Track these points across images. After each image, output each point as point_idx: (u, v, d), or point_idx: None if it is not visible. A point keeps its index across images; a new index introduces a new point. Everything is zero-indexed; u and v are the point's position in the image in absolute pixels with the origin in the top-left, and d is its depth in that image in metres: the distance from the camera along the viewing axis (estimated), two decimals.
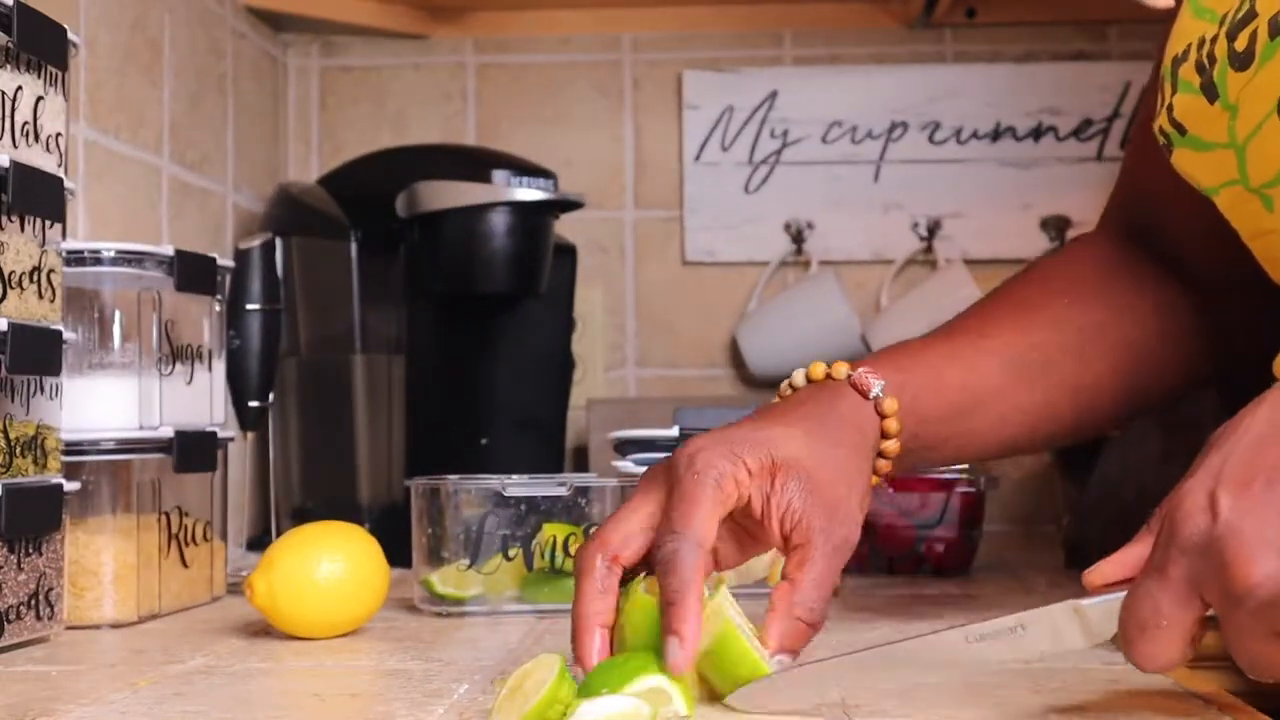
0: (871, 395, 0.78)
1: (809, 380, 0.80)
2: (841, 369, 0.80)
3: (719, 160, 1.67)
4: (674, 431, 1.07)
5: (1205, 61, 0.76)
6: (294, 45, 1.69)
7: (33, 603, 0.85)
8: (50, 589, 0.87)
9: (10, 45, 0.83)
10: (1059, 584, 1.14)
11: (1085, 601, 0.62)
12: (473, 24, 1.69)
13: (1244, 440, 0.59)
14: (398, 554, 0.99)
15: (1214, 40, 0.76)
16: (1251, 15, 0.73)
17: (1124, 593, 0.60)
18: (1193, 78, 0.78)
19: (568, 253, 1.47)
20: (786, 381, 0.82)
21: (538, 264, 1.33)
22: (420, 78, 1.70)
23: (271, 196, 1.46)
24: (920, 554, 1.19)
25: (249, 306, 1.13)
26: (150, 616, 0.97)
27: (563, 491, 0.98)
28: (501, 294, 1.34)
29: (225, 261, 1.08)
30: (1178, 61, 0.79)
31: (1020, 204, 1.65)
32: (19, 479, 0.84)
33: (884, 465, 0.80)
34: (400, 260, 1.34)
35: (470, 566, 0.98)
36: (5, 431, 0.83)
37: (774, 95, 1.67)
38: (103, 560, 0.95)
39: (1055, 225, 1.64)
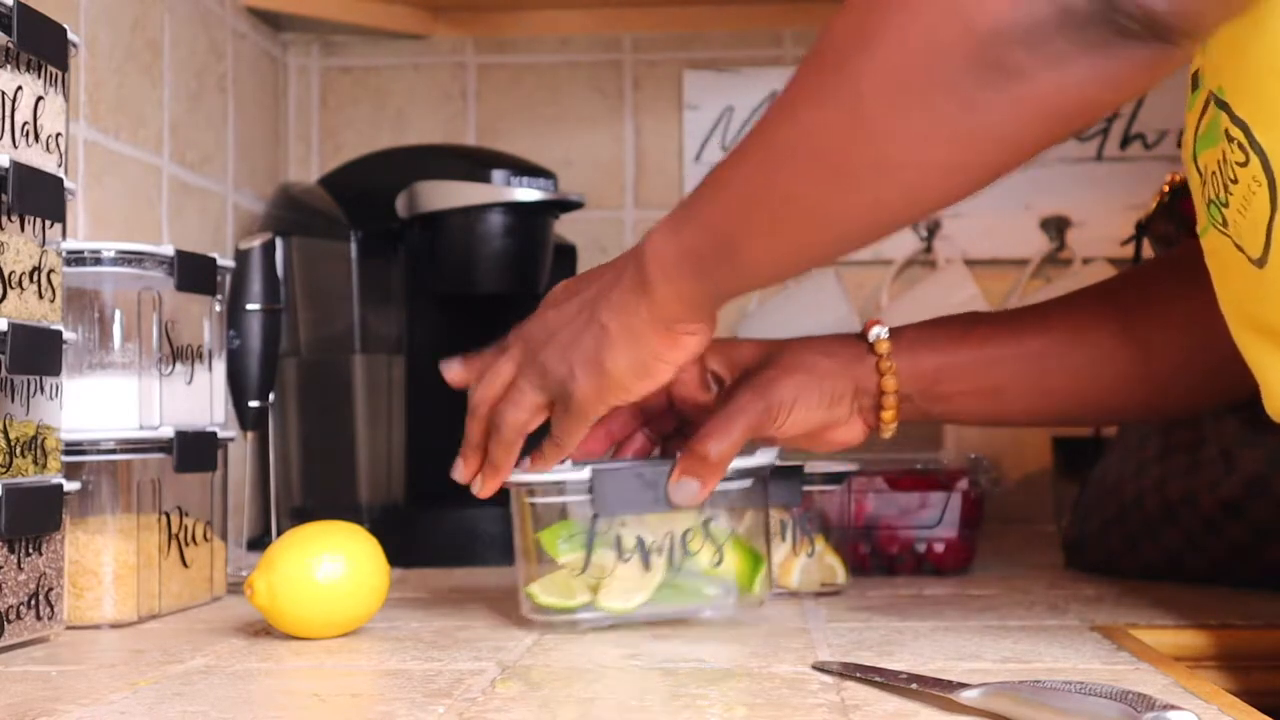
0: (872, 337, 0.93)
1: None
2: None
3: (719, 160, 1.66)
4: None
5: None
6: (294, 45, 1.69)
7: (33, 603, 0.85)
8: (50, 589, 0.87)
9: (10, 45, 0.83)
10: (1059, 584, 1.14)
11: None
12: (473, 24, 1.69)
13: None
14: (398, 554, 0.99)
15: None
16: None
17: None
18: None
19: (568, 253, 1.47)
20: None
21: (538, 264, 1.33)
22: (420, 78, 1.70)
23: (272, 196, 1.46)
24: (920, 554, 1.19)
25: (249, 306, 1.13)
26: (150, 616, 0.97)
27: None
28: (501, 294, 1.33)
29: (225, 261, 1.08)
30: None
31: (1020, 204, 1.65)
32: (19, 479, 0.84)
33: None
34: (400, 260, 1.34)
35: (583, 571, 0.89)
36: (5, 431, 0.83)
37: (774, 95, 1.66)
38: (103, 560, 0.95)
39: (1055, 225, 1.64)
